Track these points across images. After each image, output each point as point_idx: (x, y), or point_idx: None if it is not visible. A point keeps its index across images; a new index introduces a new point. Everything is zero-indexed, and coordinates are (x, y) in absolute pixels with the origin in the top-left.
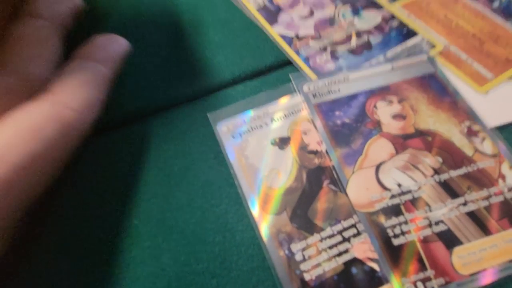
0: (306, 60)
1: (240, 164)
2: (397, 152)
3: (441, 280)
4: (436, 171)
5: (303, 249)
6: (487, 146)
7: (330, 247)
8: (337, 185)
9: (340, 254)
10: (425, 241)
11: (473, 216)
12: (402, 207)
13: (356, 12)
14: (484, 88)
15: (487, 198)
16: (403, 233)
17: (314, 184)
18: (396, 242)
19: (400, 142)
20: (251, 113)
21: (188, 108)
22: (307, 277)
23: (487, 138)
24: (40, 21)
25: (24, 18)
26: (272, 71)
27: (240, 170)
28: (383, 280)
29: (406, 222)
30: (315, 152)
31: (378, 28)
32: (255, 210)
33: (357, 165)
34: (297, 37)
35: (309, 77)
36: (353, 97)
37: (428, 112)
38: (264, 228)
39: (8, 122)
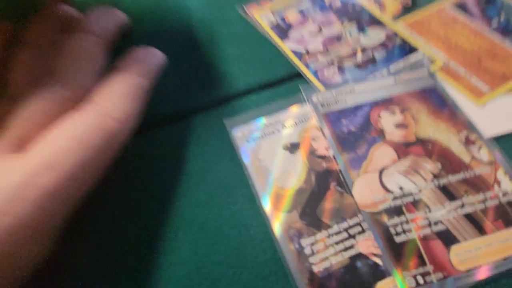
0: (315, 73)
1: (254, 166)
2: (399, 158)
3: (439, 275)
4: (436, 176)
5: (312, 244)
6: (484, 154)
7: (337, 243)
8: (343, 187)
9: (346, 249)
10: (424, 239)
11: (470, 217)
12: (404, 208)
13: (361, 29)
14: (481, 101)
15: (483, 201)
16: (404, 231)
17: (322, 186)
18: (398, 239)
19: (402, 149)
20: (264, 120)
21: (206, 115)
22: (315, 269)
23: (484, 147)
24: (91, 36)
25: (76, 33)
26: (284, 82)
27: (254, 171)
28: (386, 273)
29: (407, 222)
30: (323, 157)
31: (382, 44)
32: (267, 208)
33: (362, 169)
34: (307, 52)
35: (318, 89)
36: (358, 107)
37: (428, 122)
38: (276, 225)
39: (58, 130)
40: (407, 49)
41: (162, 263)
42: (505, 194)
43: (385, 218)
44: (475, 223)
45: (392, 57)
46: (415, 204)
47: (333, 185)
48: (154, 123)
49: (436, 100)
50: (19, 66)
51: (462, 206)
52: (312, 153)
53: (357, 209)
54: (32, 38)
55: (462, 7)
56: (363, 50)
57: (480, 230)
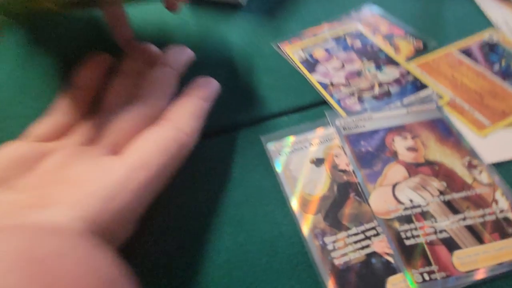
0: (338, 101)
1: (285, 175)
2: (410, 176)
3: (442, 274)
4: (441, 193)
5: (334, 242)
6: (484, 177)
7: (355, 242)
8: (361, 197)
9: (362, 247)
10: (431, 244)
11: (470, 229)
12: (413, 217)
13: (379, 67)
14: (483, 133)
15: (483, 216)
16: (413, 236)
17: (343, 195)
18: (407, 242)
19: (413, 169)
20: (294, 138)
21: (246, 131)
22: (336, 262)
23: (484, 171)
24: (167, 68)
25: (157, 66)
26: (311, 108)
27: (285, 179)
28: (397, 269)
29: (416, 229)
30: (344, 171)
31: (397, 81)
32: (296, 210)
33: (377, 183)
34: (331, 84)
35: (340, 115)
36: (375, 131)
37: (435, 148)
38: (304, 224)
39: (144, 140)
40: (418, 85)
41: (209, 248)
42: (501, 211)
43: (396, 224)
44: (475, 233)
45: (405, 91)
46: (423, 214)
47: (352, 195)
48: (205, 136)
49: (443, 129)
50: (113, 89)
51: (464, 219)
52: (334, 167)
53: (372, 215)
54: (124, 69)
55: (467, 53)
56: (380, 84)
57: (479, 239)
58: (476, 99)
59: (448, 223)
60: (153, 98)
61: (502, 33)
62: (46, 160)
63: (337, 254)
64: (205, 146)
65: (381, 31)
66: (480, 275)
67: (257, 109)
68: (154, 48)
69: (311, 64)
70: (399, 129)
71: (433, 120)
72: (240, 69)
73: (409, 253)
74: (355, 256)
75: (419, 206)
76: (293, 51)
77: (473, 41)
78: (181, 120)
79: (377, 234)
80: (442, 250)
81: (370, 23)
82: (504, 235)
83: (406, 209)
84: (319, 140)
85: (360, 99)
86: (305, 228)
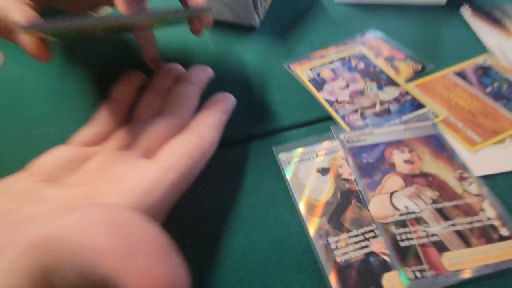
0: (343, 117)
1: (294, 182)
2: (406, 186)
3: (433, 272)
4: (434, 201)
5: (336, 242)
6: (473, 188)
7: (355, 242)
8: (361, 203)
9: (362, 247)
10: (423, 246)
11: (459, 234)
12: (408, 222)
13: (380, 87)
14: (474, 149)
15: (470, 223)
16: (407, 239)
17: (345, 201)
18: (402, 244)
19: (409, 179)
20: (302, 149)
21: (259, 142)
22: (338, 259)
23: (474, 183)
24: (191, 85)
25: (182, 83)
26: (318, 123)
27: (294, 186)
28: (392, 267)
29: (410, 232)
30: (347, 180)
31: (396, 99)
32: (303, 213)
33: (376, 191)
34: (337, 101)
35: (344, 129)
36: (375, 145)
37: (430, 161)
38: (310, 226)
39: (172, 146)
40: (416, 104)
41: (225, 244)
42: (488, 219)
43: (393, 228)
44: (463, 238)
45: (403, 110)
46: (417, 220)
47: (354, 201)
48: (223, 146)
49: (437, 145)
50: (145, 103)
51: (454, 225)
52: (338, 176)
53: (371, 220)
54: (154, 85)
55: (462, 75)
56: (381, 103)
57: (467, 243)
58: (469, 118)
59: (439, 228)
60: (179, 111)
61: (496, 58)
62: (90, 161)
63: (339, 252)
64: (223, 155)
65: (383, 54)
66: (466, 275)
67: (270, 122)
68: (179, 67)
69: (319, 83)
70: (397, 144)
71: (429, 136)
72: (254, 86)
73: (403, 254)
74: (355, 254)
75: (413, 212)
76: (303, 71)
77: (468, 64)
78: (203, 130)
79: (375, 236)
80: (432, 251)
81: (373, 46)
82: (490, 240)
83: (401, 214)
84: (325, 151)
85: (363, 116)
86: (311, 229)
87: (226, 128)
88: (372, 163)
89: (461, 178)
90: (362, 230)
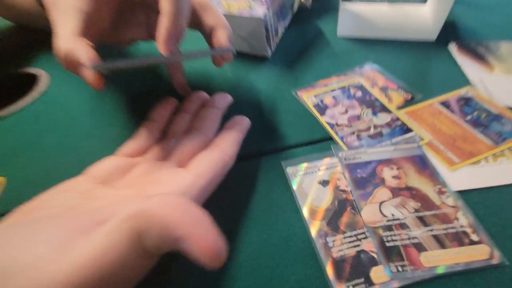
0: (342, 138)
1: (299, 191)
2: (393, 197)
3: (412, 267)
4: (416, 210)
5: (333, 241)
6: (450, 201)
7: (349, 242)
8: (355, 210)
9: (354, 246)
10: (405, 246)
11: (436, 237)
12: (393, 227)
13: (374, 113)
14: (452, 168)
15: (446, 229)
16: (392, 240)
17: (342, 208)
18: (388, 244)
19: (396, 192)
20: (306, 164)
21: (269, 158)
22: (334, 255)
23: (450, 196)
24: (214, 109)
25: (207, 107)
26: (320, 142)
27: (299, 194)
28: (378, 263)
29: (394, 235)
30: (344, 191)
31: (388, 124)
32: (306, 217)
33: (368, 201)
34: (337, 124)
35: (343, 148)
36: (368, 163)
37: (414, 177)
38: (312, 227)
39: (202, 158)
40: (405, 129)
41: (241, 241)
42: (461, 226)
43: (380, 231)
44: (439, 241)
45: (394, 133)
46: (401, 225)
47: (349, 208)
48: (239, 160)
49: (421, 163)
50: (177, 123)
51: (431, 230)
52: (336, 188)
53: (363, 224)
54: (185, 108)
55: (446, 104)
56: (375, 127)
57: (442, 245)
58: (449, 142)
59: (419, 232)
60: (204, 130)
61: (476, 90)
62: (134, 169)
63: (335, 249)
64: (239, 167)
65: (378, 84)
66: (440, 271)
67: (279, 141)
68: (204, 94)
69: (322, 108)
70: (387, 162)
71: (414, 156)
72: (266, 110)
73: (389, 252)
74: (349, 251)
75: (398, 219)
76: (308, 97)
77: (452, 95)
78: (225, 146)
79: (366, 237)
80: (412, 251)
81: (369, 77)
82: (461, 244)
83: (388, 220)
84: (325, 166)
85: (359, 137)
86: (313, 230)
87: (242, 145)
88: (365, 178)
89: (440, 192)
90: (355, 232)
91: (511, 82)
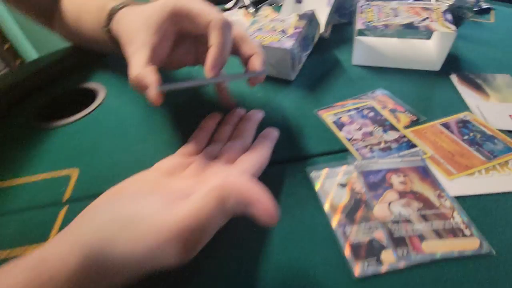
0: (357, 150)
1: (321, 192)
2: (400, 198)
3: (414, 252)
4: (419, 209)
5: (350, 230)
6: (447, 203)
7: (363, 231)
8: (369, 208)
9: (368, 234)
10: (409, 236)
11: (435, 230)
12: (400, 221)
13: (385, 131)
14: (450, 178)
15: (443, 224)
16: (399, 231)
17: (357, 206)
18: (395, 235)
19: (402, 194)
20: (327, 170)
21: (296, 164)
22: (352, 240)
23: (448, 200)
24: (250, 122)
25: (245, 120)
26: (339, 153)
27: (321, 194)
28: (387, 248)
29: (401, 228)
30: (359, 192)
31: (396, 140)
32: (327, 212)
33: (379, 201)
34: (352, 139)
35: (357, 159)
36: (379, 171)
37: (418, 183)
38: (333, 220)
39: (244, 159)
40: (410, 145)
41: (272, 231)
42: (456, 223)
43: (390, 225)
44: (438, 233)
45: (401, 148)
46: (406, 220)
47: (363, 206)
48: (269, 165)
49: (424, 173)
50: (221, 131)
51: (432, 225)
52: (352, 190)
53: (375, 219)
54: (228, 121)
55: (446, 126)
56: (385, 142)
57: (440, 237)
58: (449, 156)
59: (421, 226)
60: (243, 138)
61: (474, 115)
62: (191, 165)
63: (352, 236)
64: (270, 171)
65: (388, 107)
66: (437, 256)
67: (304, 151)
68: (243, 110)
69: (339, 125)
70: (396, 170)
71: (418, 166)
72: (291, 125)
73: (396, 240)
74: (363, 238)
75: (404, 215)
76: (327, 116)
77: (452, 118)
78: (261, 150)
79: (377, 229)
80: (415, 239)
81: (380, 101)
82: (456, 236)
83: (396, 216)
84: (343, 172)
85: (371, 150)
86: (334, 222)
87: (272, 152)
88: (376, 182)
89: (439, 196)
90: (368, 225)
91: (504, 109)
